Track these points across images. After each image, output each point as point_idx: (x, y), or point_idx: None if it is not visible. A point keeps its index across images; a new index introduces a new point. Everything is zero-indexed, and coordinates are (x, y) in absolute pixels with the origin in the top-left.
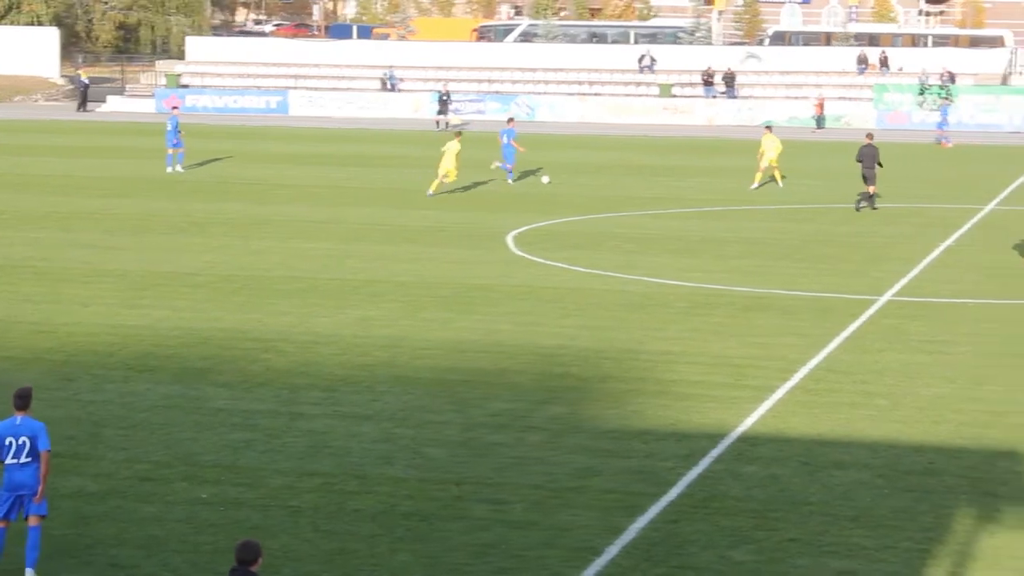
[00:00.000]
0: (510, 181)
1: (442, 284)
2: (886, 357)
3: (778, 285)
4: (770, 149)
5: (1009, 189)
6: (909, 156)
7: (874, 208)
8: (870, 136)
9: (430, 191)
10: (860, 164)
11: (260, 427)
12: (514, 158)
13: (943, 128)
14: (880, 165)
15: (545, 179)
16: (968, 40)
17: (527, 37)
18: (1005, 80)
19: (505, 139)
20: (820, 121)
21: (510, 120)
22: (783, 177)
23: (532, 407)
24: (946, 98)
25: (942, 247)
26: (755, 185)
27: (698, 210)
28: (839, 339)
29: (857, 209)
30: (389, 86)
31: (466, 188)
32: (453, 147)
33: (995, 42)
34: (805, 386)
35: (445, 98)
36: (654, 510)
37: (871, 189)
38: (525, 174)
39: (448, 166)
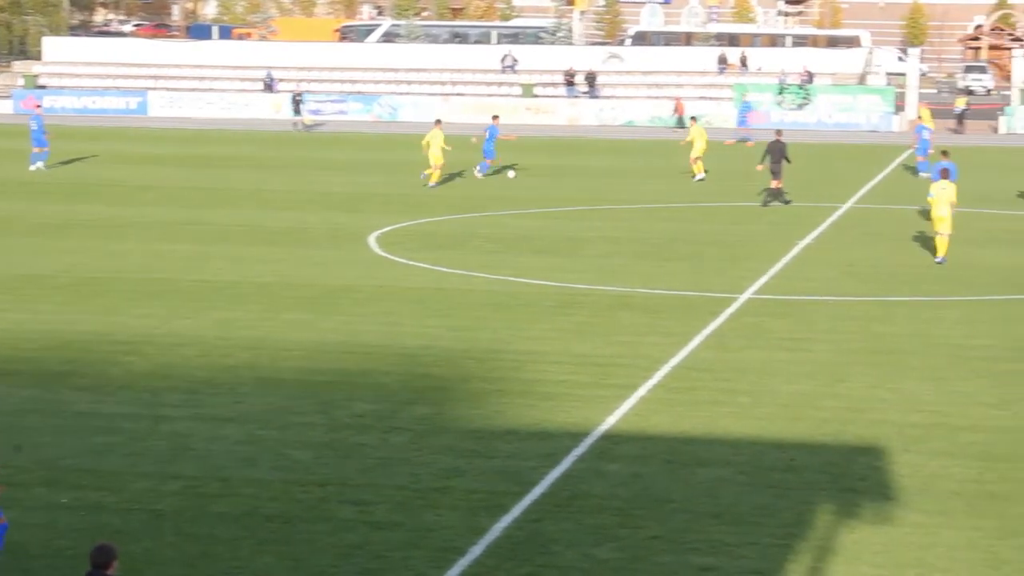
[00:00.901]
0: (478, 174)
1: (304, 285)
2: (747, 355)
3: (641, 284)
4: (699, 140)
5: (866, 187)
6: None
7: (786, 202)
8: (779, 132)
9: (432, 183)
10: (767, 158)
11: (122, 430)
12: (494, 155)
13: (744, 126)
14: (788, 161)
15: (511, 174)
16: (826, 40)
17: (389, 37)
18: (862, 80)
19: (487, 135)
20: (681, 121)
21: (495, 117)
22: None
23: (396, 408)
24: (745, 96)
25: (801, 245)
26: (701, 175)
27: (562, 209)
28: (701, 337)
29: (764, 205)
30: (269, 87)
31: (326, 190)
32: (437, 136)
33: (852, 42)
34: (668, 384)
35: (298, 99)
36: (518, 509)
37: (776, 184)
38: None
39: (437, 154)
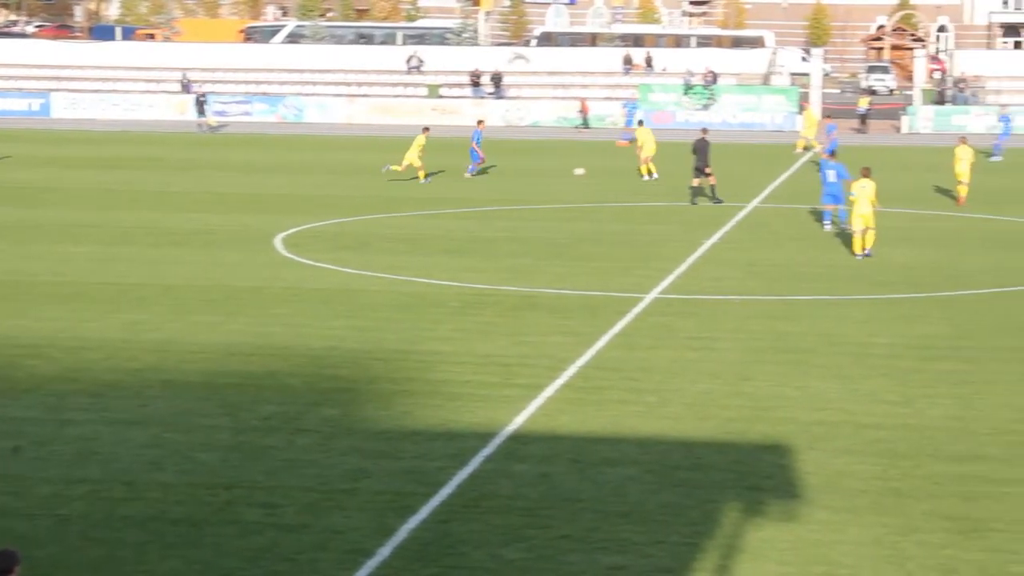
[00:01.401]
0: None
1: (210, 287)
2: (654, 354)
3: (548, 284)
4: (649, 141)
5: (771, 187)
6: (675, 155)
7: (718, 200)
8: (704, 131)
9: (423, 179)
10: (694, 156)
11: (27, 434)
12: (478, 156)
13: (630, 125)
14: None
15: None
16: (730, 41)
17: (294, 38)
18: (766, 80)
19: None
20: (587, 121)
21: (479, 122)
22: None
23: (303, 410)
24: (633, 99)
25: (707, 245)
26: (651, 176)
27: (468, 210)
28: (608, 337)
29: (693, 203)
30: (186, 88)
31: (231, 191)
32: (419, 141)
33: (756, 43)
34: (575, 384)
35: (202, 100)
36: (425, 510)
37: (696, 182)
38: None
39: (413, 156)
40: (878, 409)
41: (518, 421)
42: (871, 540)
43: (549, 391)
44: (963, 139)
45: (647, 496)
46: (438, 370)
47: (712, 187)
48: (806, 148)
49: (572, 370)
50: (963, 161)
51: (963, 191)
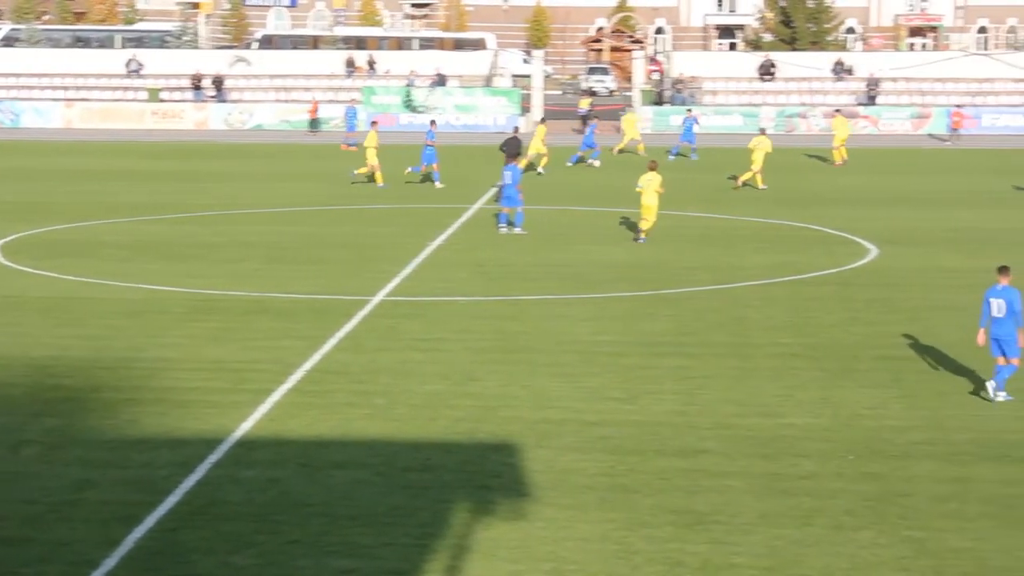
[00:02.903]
0: (437, 184)
1: None
2: (382, 356)
3: (274, 288)
4: (538, 139)
5: (495, 188)
6: (400, 158)
7: None
8: (515, 129)
9: (381, 184)
10: (503, 154)
11: None
12: (436, 158)
13: (352, 131)
14: (519, 155)
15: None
16: (452, 43)
17: (9, 42)
18: (488, 81)
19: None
20: (314, 124)
21: (432, 123)
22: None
23: (25, 420)
24: (352, 102)
25: (433, 246)
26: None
27: (191, 215)
28: (335, 340)
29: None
30: None
31: None
32: (372, 139)
33: (478, 44)
34: (303, 388)
35: None
36: (152, 519)
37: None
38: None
39: (372, 155)
40: (604, 406)
41: (246, 426)
42: (599, 536)
43: (277, 395)
44: (763, 131)
45: (376, 499)
46: (165, 377)
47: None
48: (621, 152)
49: (300, 374)
50: (759, 150)
51: (753, 176)
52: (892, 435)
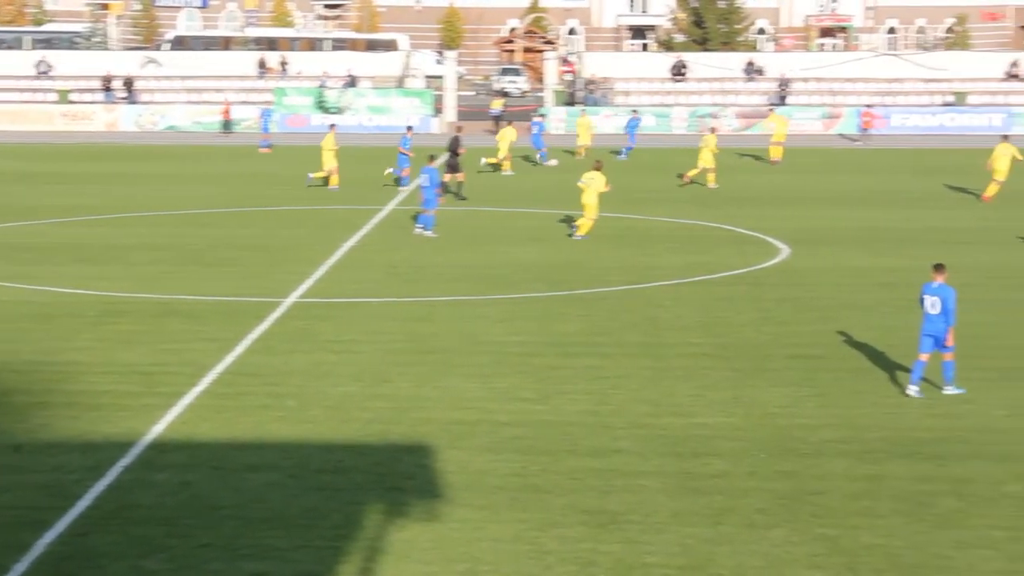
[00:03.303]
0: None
1: None
2: (294, 358)
3: (186, 291)
4: (504, 140)
5: (409, 189)
6: (312, 159)
7: (463, 198)
8: (459, 128)
9: (333, 186)
10: (448, 153)
11: None
12: (409, 162)
13: (267, 132)
14: (459, 154)
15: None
16: (364, 44)
17: None
18: (401, 82)
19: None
20: (228, 125)
21: (408, 128)
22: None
23: None
24: (268, 104)
25: (345, 248)
26: (506, 171)
27: (101, 217)
28: (247, 342)
29: (461, 199)
30: None
31: None
32: (329, 141)
33: (390, 45)
34: (215, 391)
35: None
36: (62, 524)
37: (459, 177)
38: None
39: (330, 158)
40: (516, 407)
41: (158, 430)
42: (511, 536)
43: (189, 398)
44: (713, 129)
45: (289, 501)
46: (76, 381)
47: (460, 184)
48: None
49: (212, 376)
50: (706, 149)
51: (702, 173)
52: (804, 433)
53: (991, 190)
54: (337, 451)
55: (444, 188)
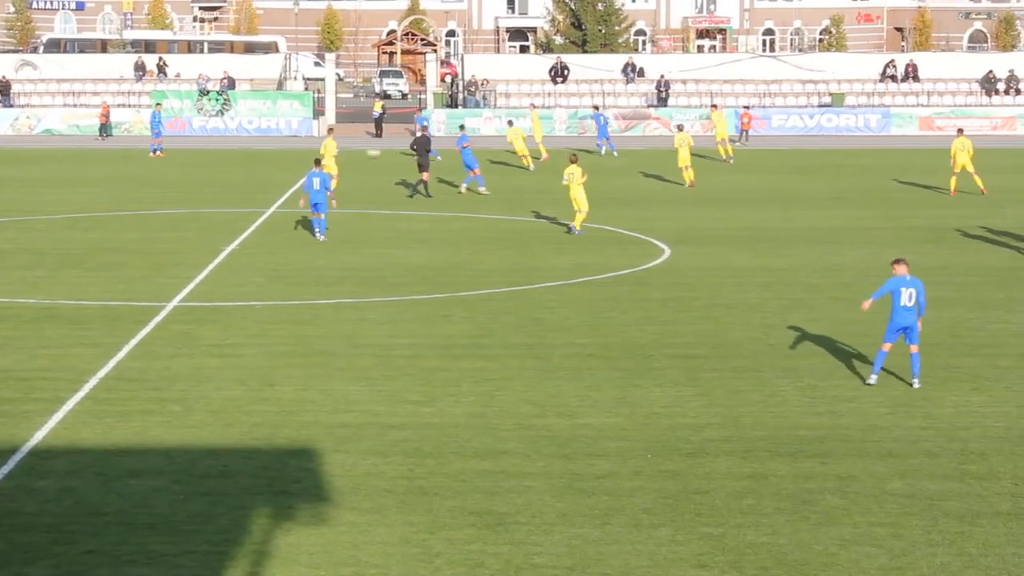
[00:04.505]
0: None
1: None
2: (177, 363)
3: (65, 295)
4: (517, 138)
5: (289, 192)
6: (189, 161)
7: (428, 195)
8: (424, 128)
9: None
10: (414, 153)
11: None
12: (476, 161)
13: (159, 136)
14: (429, 152)
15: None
16: (243, 46)
17: None
18: (280, 85)
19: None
20: (105, 128)
21: (461, 127)
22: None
23: None
24: (158, 107)
25: (227, 251)
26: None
27: None
28: (129, 347)
29: (411, 196)
30: None
31: None
32: (331, 146)
33: (270, 48)
34: (97, 396)
35: None
36: None
37: (424, 176)
38: None
39: (330, 163)
40: (402, 409)
41: (39, 436)
42: (399, 539)
43: (71, 404)
44: (680, 127)
45: (175, 506)
46: None
47: (424, 183)
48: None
49: (94, 382)
50: (685, 147)
51: (690, 175)
52: (688, 433)
53: (953, 183)
54: (222, 455)
55: (423, 185)
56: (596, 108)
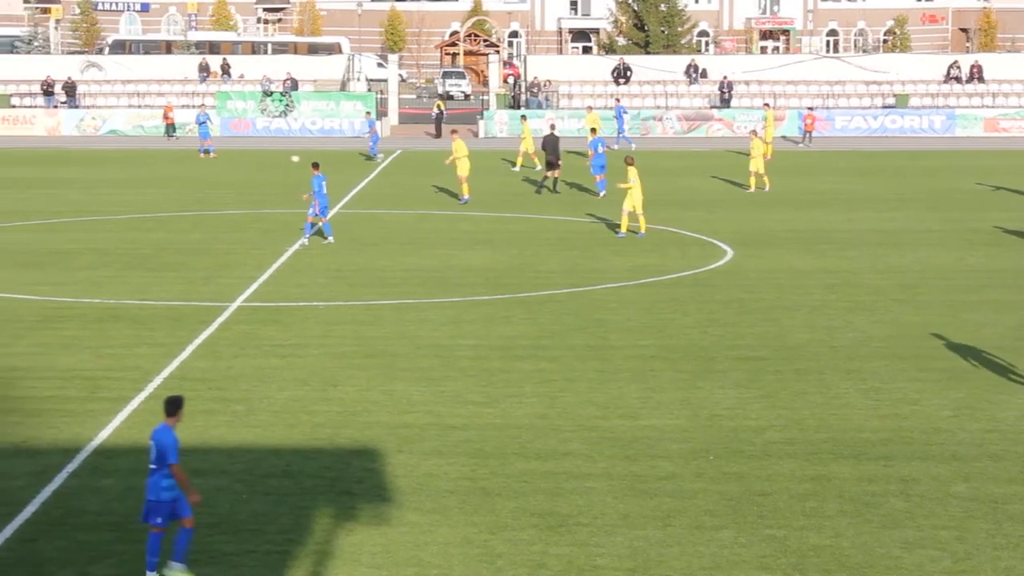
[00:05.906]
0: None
1: None
2: (240, 363)
3: (130, 295)
4: (528, 136)
5: (351, 193)
6: (252, 162)
7: (556, 192)
8: (553, 127)
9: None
10: (544, 152)
11: None
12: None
13: (206, 137)
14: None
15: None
16: (307, 47)
17: None
18: (343, 86)
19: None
20: (170, 129)
21: (592, 130)
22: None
23: None
24: (202, 108)
25: (289, 251)
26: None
27: (44, 222)
28: (192, 347)
29: (538, 192)
30: None
31: None
32: (461, 148)
33: (333, 49)
34: (160, 395)
35: None
36: (9, 530)
37: (555, 174)
38: None
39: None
40: (464, 410)
41: (104, 435)
42: (461, 539)
43: (135, 403)
44: (754, 132)
45: (237, 506)
46: (18, 387)
47: (556, 180)
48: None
49: (158, 381)
50: (759, 156)
51: (755, 181)
52: (751, 435)
53: None
54: (285, 455)
55: (553, 183)
56: (618, 100)
